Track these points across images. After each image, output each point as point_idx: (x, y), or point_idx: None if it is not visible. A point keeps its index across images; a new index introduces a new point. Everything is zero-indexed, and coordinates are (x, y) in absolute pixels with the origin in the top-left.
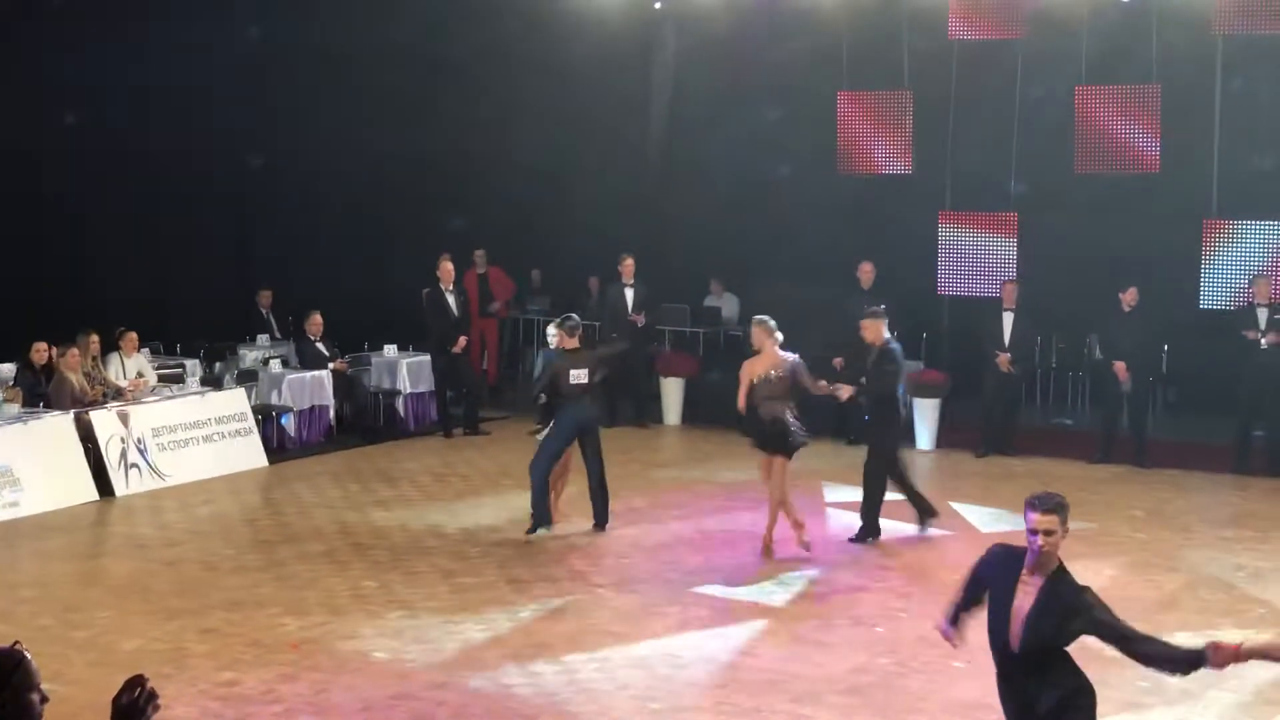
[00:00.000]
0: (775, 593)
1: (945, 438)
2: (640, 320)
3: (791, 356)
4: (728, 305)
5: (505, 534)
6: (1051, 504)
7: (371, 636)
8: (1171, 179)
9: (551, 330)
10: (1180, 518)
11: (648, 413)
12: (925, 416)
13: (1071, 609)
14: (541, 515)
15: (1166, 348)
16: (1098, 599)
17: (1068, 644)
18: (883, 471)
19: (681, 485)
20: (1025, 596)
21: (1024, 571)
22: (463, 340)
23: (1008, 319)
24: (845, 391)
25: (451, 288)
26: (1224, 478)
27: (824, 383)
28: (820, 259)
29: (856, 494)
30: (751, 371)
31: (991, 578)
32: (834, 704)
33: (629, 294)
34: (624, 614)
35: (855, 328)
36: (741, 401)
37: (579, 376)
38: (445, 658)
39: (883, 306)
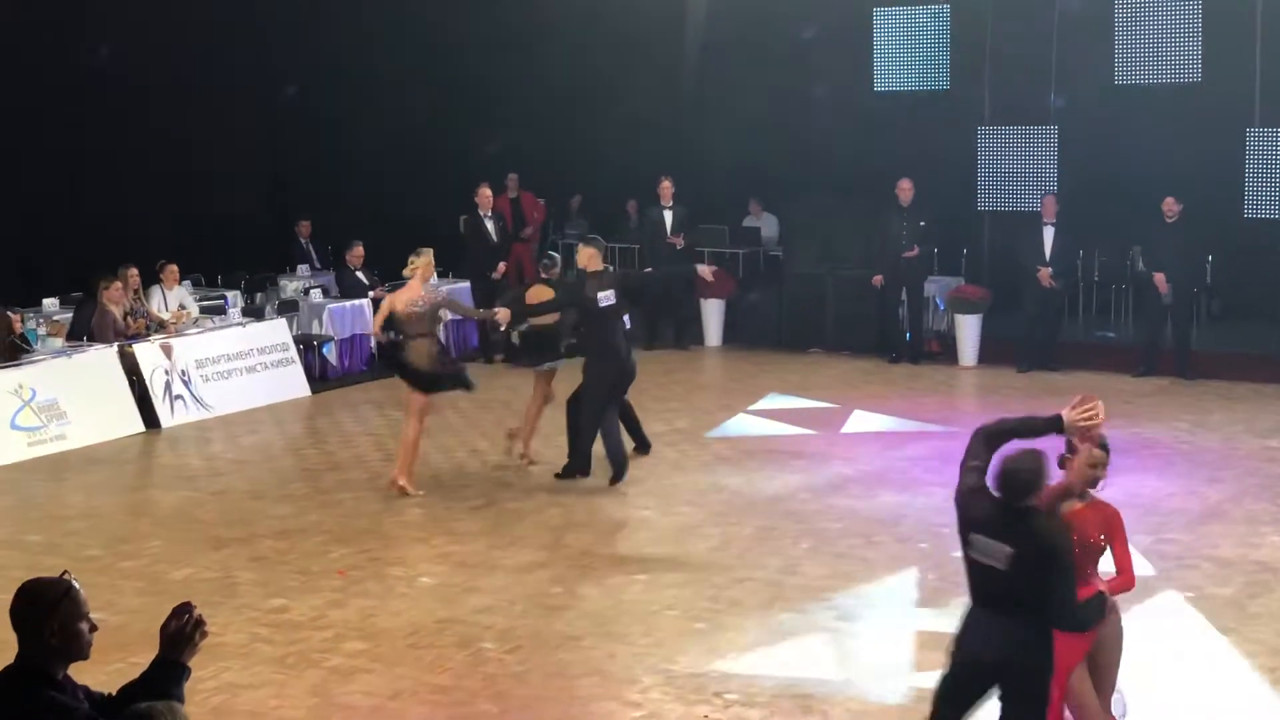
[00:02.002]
0: (818, 512)
1: (987, 353)
2: (679, 242)
3: (439, 290)
4: (767, 225)
5: (548, 460)
6: None
7: (417, 562)
8: (1213, 87)
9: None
10: (1225, 428)
11: (688, 334)
12: (966, 332)
13: None
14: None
15: (1210, 258)
16: None
17: None
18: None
19: (722, 406)
20: None
21: None
22: (502, 266)
23: (1048, 233)
24: (502, 316)
25: (490, 214)
26: (1269, 388)
27: (483, 310)
28: (858, 177)
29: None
30: (393, 303)
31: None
32: (878, 620)
33: (668, 216)
34: (668, 535)
35: (895, 246)
36: (375, 329)
37: (606, 299)
38: (491, 582)
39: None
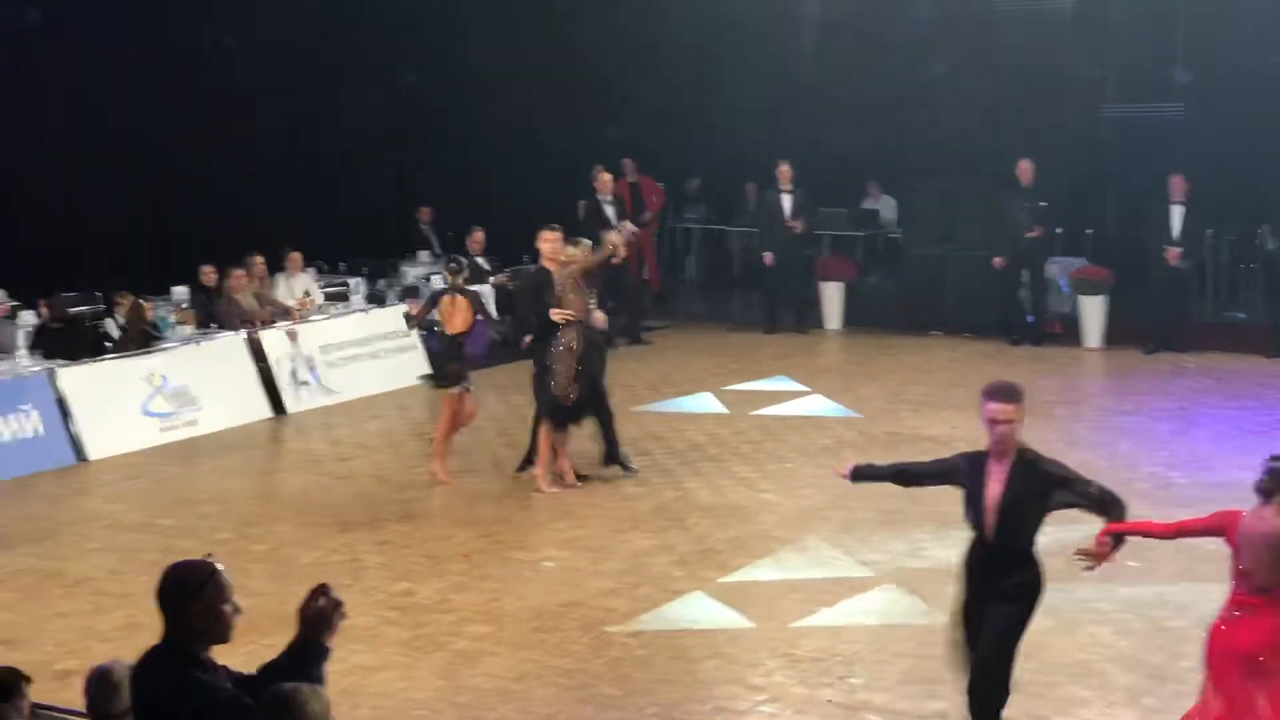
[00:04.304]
0: (939, 495)
1: (1112, 334)
2: (798, 226)
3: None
4: (885, 207)
5: (669, 443)
6: (1009, 393)
7: (540, 546)
8: None
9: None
10: None
11: (807, 318)
12: (1091, 313)
13: (1045, 484)
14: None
15: None
16: (1067, 468)
17: (1042, 519)
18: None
19: (844, 389)
20: (995, 484)
21: (989, 462)
22: (623, 250)
23: (1176, 212)
24: (599, 318)
25: (609, 198)
26: None
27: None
28: (978, 157)
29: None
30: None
31: (963, 473)
32: None
33: (786, 200)
34: (789, 519)
35: (1016, 227)
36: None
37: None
38: (614, 565)
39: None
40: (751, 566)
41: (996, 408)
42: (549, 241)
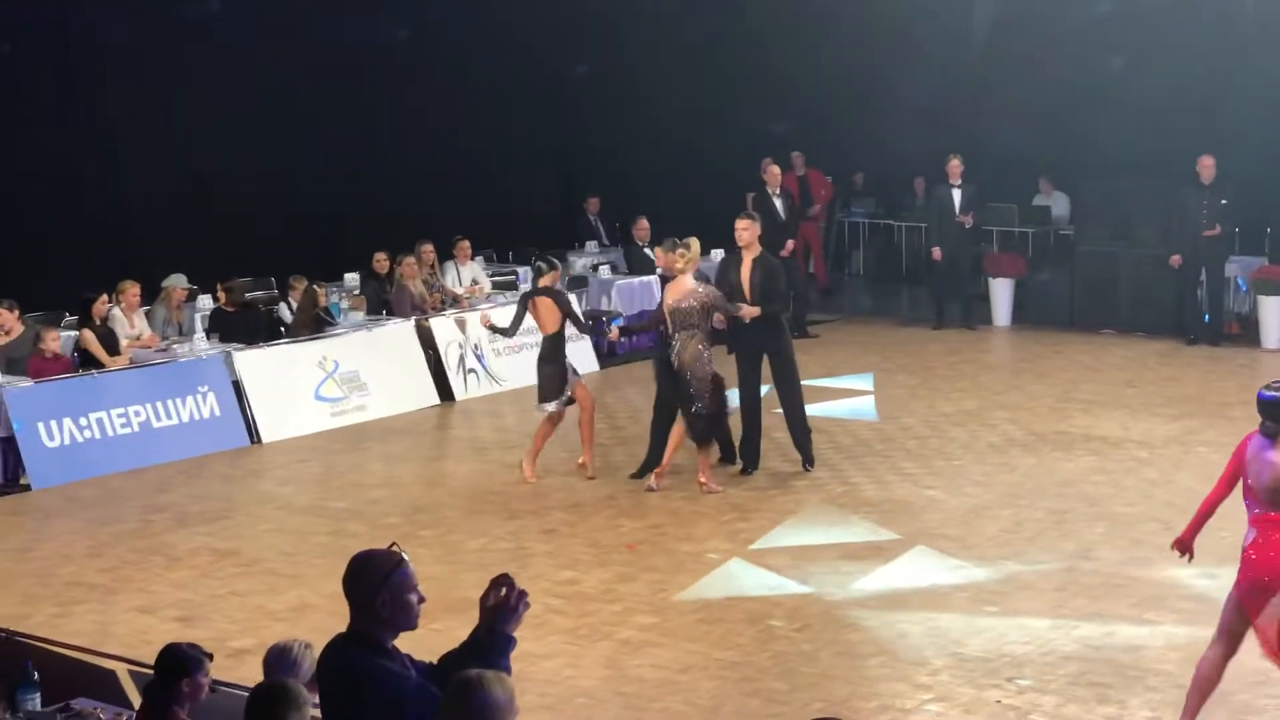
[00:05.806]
0: (1111, 496)
1: None
2: (968, 221)
3: (711, 288)
4: (1057, 204)
5: (833, 437)
6: None
7: (705, 538)
8: None
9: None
10: None
11: (976, 314)
12: (1271, 313)
13: None
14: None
15: None
16: None
17: None
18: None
19: (1012, 386)
20: None
21: None
22: (790, 244)
23: None
24: (747, 313)
25: (778, 191)
26: None
27: (731, 306)
28: (1154, 153)
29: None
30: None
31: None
32: (1178, 609)
33: (956, 195)
34: (957, 517)
35: (1195, 225)
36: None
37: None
38: (779, 559)
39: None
40: (917, 564)
41: None
42: (743, 230)
